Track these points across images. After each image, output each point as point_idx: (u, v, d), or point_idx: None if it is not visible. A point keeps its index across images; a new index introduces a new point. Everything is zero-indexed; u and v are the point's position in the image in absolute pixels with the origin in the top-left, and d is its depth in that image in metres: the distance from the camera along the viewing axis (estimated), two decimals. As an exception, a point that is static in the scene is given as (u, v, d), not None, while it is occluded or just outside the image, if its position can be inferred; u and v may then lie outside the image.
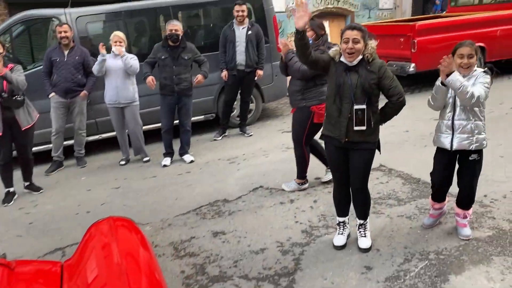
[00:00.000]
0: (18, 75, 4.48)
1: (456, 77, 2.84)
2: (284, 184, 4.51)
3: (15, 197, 4.86)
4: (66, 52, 5.47)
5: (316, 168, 4.60)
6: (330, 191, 4.27)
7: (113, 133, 6.19)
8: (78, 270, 1.76)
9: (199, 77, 5.36)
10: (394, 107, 3.04)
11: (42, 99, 5.54)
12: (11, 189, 4.84)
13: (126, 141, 5.75)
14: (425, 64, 7.70)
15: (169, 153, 5.65)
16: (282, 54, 4.11)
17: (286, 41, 4.07)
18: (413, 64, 7.68)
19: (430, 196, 3.50)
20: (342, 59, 2.99)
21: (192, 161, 5.60)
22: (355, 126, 2.97)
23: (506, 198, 3.86)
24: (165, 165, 5.55)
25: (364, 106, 2.93)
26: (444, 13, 10.39)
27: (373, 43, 2.95)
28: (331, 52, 3.06)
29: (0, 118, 4.51)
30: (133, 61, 5.33)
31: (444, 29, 7.90)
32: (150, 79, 5.19)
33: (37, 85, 5.50)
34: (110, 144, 6.39)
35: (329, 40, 4.38)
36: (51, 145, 5.74)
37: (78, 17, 5.91)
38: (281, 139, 6.14)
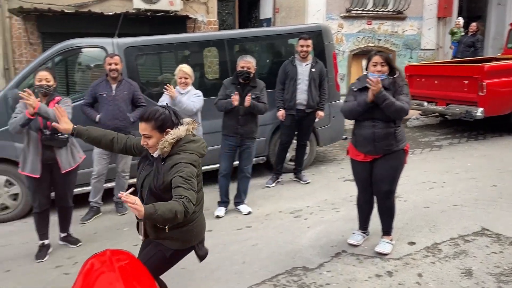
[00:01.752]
0: (67, 105, 3.93)
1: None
2: (378, 246, 3.76)
3: (49, 251, 4.16)
4: (114, 86, 4.91)
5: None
6: (434, 261, 3.53)
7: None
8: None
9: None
10: None
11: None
12: (46, 242, 4.15)
13: None
14: (495, 108, 7.03)
15: (224, 202, 4.95)
16: (372, 94, 3.44)
17: (378, 79, 3.44)
18: (481, 109, 6.97)
19: None
20: None
21: (249, 213, 4.88)
22: None
23: None
24: (218, 216, 4.84)
25: None
26: (499, 55, 9.80)
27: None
28: None
29: (40, 159, 3.90)
30: (190, 100, 4.67)
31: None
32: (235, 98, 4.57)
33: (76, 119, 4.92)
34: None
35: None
36: (88, 188, 5.09)
37: (126, 47, 5.38)
38: (346, 189, 5.41)
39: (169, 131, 2.38)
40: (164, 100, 4.62)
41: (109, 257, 2.01)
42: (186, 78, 4.65)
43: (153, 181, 2.38)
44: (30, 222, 4.85)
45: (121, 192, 2.06)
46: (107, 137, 2.71)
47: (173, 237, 2.51)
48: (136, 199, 1.99)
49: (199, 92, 4.75)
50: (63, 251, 4.22)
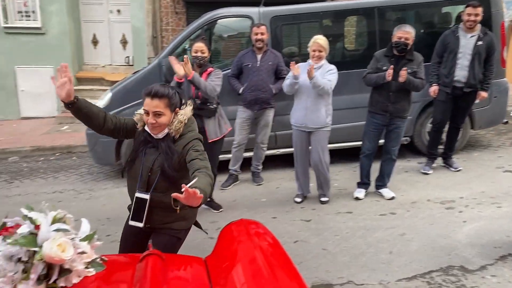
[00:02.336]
0: (213, 80, 3.95)
1: None
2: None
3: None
4: (259, 57, 4.85)
5: None
6: None
7: (292, 149, 5.46)
8: (222, 269, 1.65)
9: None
10: None
11: (226, 105, 5.04)
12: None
13: (307, 173, 4.65)
14: None
15: (365, 183, 4.65)
16: None
17: None
18: None
19: None
20: None
21: (392, 198, 4.52)
22: None
23: None
24: (357, 198, 4.57)
25: None
26: None
27: None
28: None
29: None
30: (327, 78, 4.10)
31: None
32: (390, 72, 4.06)
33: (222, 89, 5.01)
34: (287, 161, 5.67)
35: None
36: (228, 156, 5.20)
37: (272, 16, 5.26)
38: (508, 182, 4.71)
39: (178, 111, 2.29)
40: (290, 76, 4.26)
41: (244, 226, 1.99)
42: (320, 51, 4.16)
43: (166, 162, 2.25)
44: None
45: (183, 185, 1.74)
46: (101, 114, 2.31)
47: (184, 216, 2.39)
48: (196, 190, 1.74)
49: (333, 68, 4.25)
50: (206, 215, 4.38)
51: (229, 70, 5.05)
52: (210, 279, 1.59)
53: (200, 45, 3.96)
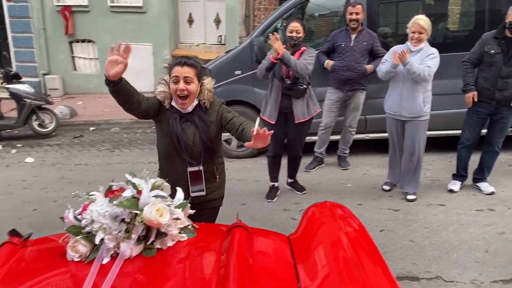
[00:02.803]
0: (305, 59, 3.85)
1: None
2: None
3: (278, 193, 4.39)
4: (353, 36, 4.69)
5: None
6: None
7: (383, 135, 5.25)
8: (306, 248, 1.63)
9: None
10: None
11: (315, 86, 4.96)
12: (276, 184, 4.38)
13: (398, 162, 4.32)
14: None
15: (461, 176, 4.33)
16: None
17: None
18: None
19: None
20: None
21: (492, 193, 4.17)
22: None
23: None
24: (452, 190, 4.28)
25: None
26: None
27: None
28: None
29: (278, 107, 4.00)
30: (427, 63, 3.77)
31: None
32: None
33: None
34: (376, 147, 5.48)
35: None
36: (314, 138, 5.15)
37: (369, -5, 5.03)
38: None
39: (204, 82, 2.32)
40: (387, 60, 4.05)
41: (329, 208, 1.92)
42: (421, 33, 3.78)
43: (204, 134, 2.30)
44: (260, 161, 5.26)
45: (252, 129, 1.91)
46: (136, 97, 2.23)
47: (221, 184, 2.53)
48: (265, 129, 1.91)
49: (435, 52, 3.86)
50: (289, 195, 4.41)
51: (320, 48, 4.97)
52: (294, 256, 1.59)
53: (295, 25, 3.87)
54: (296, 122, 4.00)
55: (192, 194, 2.34)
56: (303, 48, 3.95)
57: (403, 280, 2.94)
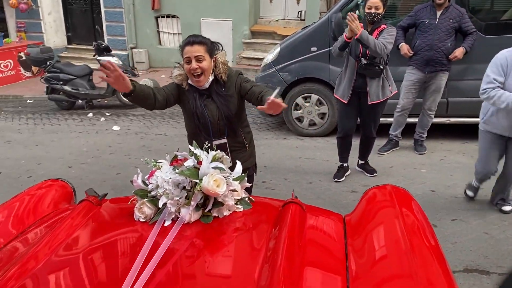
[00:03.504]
0: (384, 38, 3.66)
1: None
2: None
3: (347, 173, 4.34)
4: (438, 13, 4.39)
5: None
6: None
7: (466, 120, 4.94)
8: (359, 230, 1.62)
9: None
10: None
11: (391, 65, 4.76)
12: (345, 164, 4.32)
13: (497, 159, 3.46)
14: None
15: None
16: None
17: None
18: None
19: None
20: None
21: None
22: None
23: None
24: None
25: None
26: None
27: None
28: None
29: (352, 86, 3.89)
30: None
31: None
32: None
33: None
34: (456, 132, 5.16)
35: None
36: (390, 119, 4.96)
37: (461, -32, 4.65)
38: None
39: (217, 56, 2.35)
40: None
41: (390, 192, 1.87)
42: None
43: (225, 108, 2.38)
44: (331, 141, 5.20)
45: (267, 98, 2.04)
46: (151, 95, 2.27)
47: (251, 153, 2.61)
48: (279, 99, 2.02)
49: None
50: (359, 177, 4.33)
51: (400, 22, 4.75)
52: (346, 236, 1.59)
53: (375, 1, 3.67)
54: (370, 103, 3.87)
55: None
56: (382, 25, 3.76)
57: (472, 273, 2.81)
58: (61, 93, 7.35)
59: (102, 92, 7.36)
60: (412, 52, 4.56)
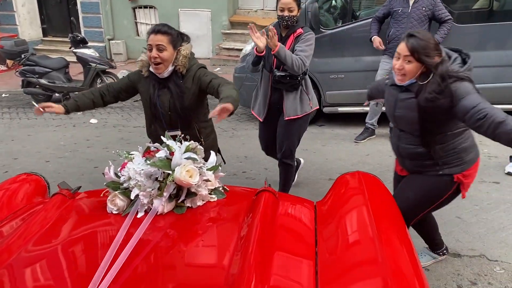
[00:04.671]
0: (302, 49, 2.97)
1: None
2: None
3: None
4: (411, 2, 4.42)
5: None
6: None
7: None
8: (329, 216, 1.68)
9: None
10: None
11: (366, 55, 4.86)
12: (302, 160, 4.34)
13: None
14: None
15: (521, 154, 4.05)
16: None
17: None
18: None
19: None
20: None
21: (555, 174, 3.89)
22: None
23: None
24: (509, 173, 4.02)
25: None
26: None
27: None
28: None
29: (267, 102, 3.26)
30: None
31: None
32: None
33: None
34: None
35: None
36: (366, 108, 5.04)
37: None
38: None
39: (181, 48, 2.36)
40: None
41: (359, 178, 1.95)
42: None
43: (179, 100, 2.38)
44: (310, 130, 5.23)
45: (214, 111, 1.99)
46: (96, 95, 2.52)
47: (209, 148, 2.35)
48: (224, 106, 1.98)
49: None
50: (337, 165, 4.39)
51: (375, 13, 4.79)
52: (316, 222, 1.64)
53: (287, 1, 3.01)
54: (286, 118, 3.21)
55: None
56: (299, 30, 3.09)
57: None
58: (37, 86, 7.20)
59: (79, 85, 7.24)
60: (383, 47, 4.61)
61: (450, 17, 4.44)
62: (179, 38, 2.39)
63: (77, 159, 4.92)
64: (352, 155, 4.47)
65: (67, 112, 2.43)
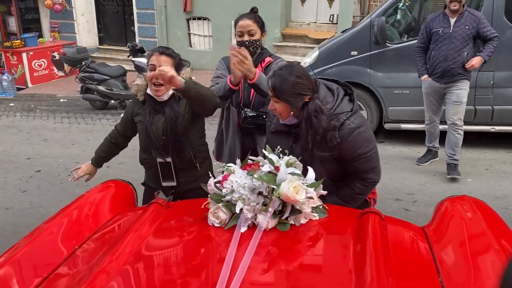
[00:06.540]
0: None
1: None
2: None
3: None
4: (452, 21, 4.09)
5: None
6: None
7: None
8: (444, 242, 1.55)
9: None
10: None
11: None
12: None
13: None
14: None
15: None
16: None
17: None
18: None
19: None
20: None
21: None
22: None
23: None
24: None
25: None
26: None
27: None
28: None
29: (239, 147, 2.67)
30: None
31: None
32: None
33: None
34: (504, 140, 5.01)
35: None
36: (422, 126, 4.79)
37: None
38: None
39: (180, 74, 2.27)
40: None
41: (469, 203, 1.82)
42: None
43: (172, 125, 2.26)
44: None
45: None
46: (119, 145, 2.65)
47: (206, 172, 2.06)
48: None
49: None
50: (402, 185, 4.21)
51: (416, 41, 4.47)
52: (431, 249, 1.52)
53: (245, 23, 2.48)
54: None
55: (164, 184, 2.37)
56: (267, 58, 2.58)
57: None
58: (95, 93, 7.43)
59: (135, 93, 7.40)
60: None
61: (496, 34, 4.10)
62: (181, 63, 2.35)
63: (136, 165, 4.96)
64: (418, 174, 4.28)
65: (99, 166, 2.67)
